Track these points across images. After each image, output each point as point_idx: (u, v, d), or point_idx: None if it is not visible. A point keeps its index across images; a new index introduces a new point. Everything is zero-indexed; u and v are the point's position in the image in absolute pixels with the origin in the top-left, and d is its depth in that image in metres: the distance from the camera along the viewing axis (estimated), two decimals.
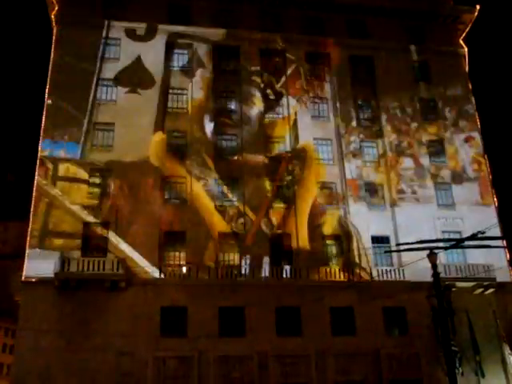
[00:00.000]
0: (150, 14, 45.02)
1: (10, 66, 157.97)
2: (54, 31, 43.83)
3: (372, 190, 43.05)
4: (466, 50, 49.53)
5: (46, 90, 41.28)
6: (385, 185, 43.24)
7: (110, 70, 42.87)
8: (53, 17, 44.65)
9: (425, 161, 44.50)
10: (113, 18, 44.41)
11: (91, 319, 34.83)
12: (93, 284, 35.37)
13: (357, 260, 39.82)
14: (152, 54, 43.90)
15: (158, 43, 44.34)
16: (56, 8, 44.31)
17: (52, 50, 42.71)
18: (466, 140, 45.97)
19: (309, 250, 39.67)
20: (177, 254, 38.63)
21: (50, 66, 42.09)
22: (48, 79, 41.64)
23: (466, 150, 45.60)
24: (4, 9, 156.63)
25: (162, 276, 37.29)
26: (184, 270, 37.93)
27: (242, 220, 39.84)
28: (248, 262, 38.57)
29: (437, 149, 45.35)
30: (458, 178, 44.37)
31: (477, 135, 46.35)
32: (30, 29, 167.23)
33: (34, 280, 35.28)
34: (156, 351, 34.67)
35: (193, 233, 38.99)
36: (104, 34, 43.80)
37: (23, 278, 35.77)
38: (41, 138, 39.94)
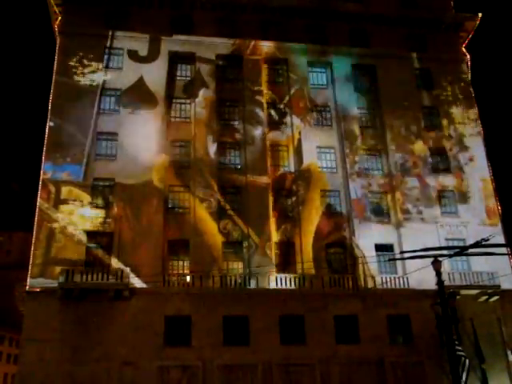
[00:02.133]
0: (152, 24, 45.07)
1: (18, 66, 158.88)
2: (58, 41, 44.05)
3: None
4: (468, 57, 49.57)
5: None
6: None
7: (113, 80, 42.99)
8: (56, 27, 45.01)
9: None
10: (116, 28, 44.52)
11: (95, 329, 34.78)
12: (96, 294, 35.37)
13: (361, 268, 39.68)
14: (155, 69, 43.79)
15: (162, 59, 44.16)
16: (59, 18, 44.65)
17: (55, 59, 42.83)
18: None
19: (313, 259, 39.46)
20: (180, 262, 38.67)
21: (54, 76, 42.17)
22: (51, 89, 41.65)
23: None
24: (8, 24, 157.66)
25: (166, 285, 37.26)
26: (188, 278, 37.96)
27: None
28: (252, 271, 38.48)
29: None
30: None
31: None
32: (35, 42, 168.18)
33: (38, 290, 35.36)
34: (160, 361, 34.62)
35: (196, 241, 39.00)
36: (107, 44, 43.96)
37: (27, 288, 35.77)
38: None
